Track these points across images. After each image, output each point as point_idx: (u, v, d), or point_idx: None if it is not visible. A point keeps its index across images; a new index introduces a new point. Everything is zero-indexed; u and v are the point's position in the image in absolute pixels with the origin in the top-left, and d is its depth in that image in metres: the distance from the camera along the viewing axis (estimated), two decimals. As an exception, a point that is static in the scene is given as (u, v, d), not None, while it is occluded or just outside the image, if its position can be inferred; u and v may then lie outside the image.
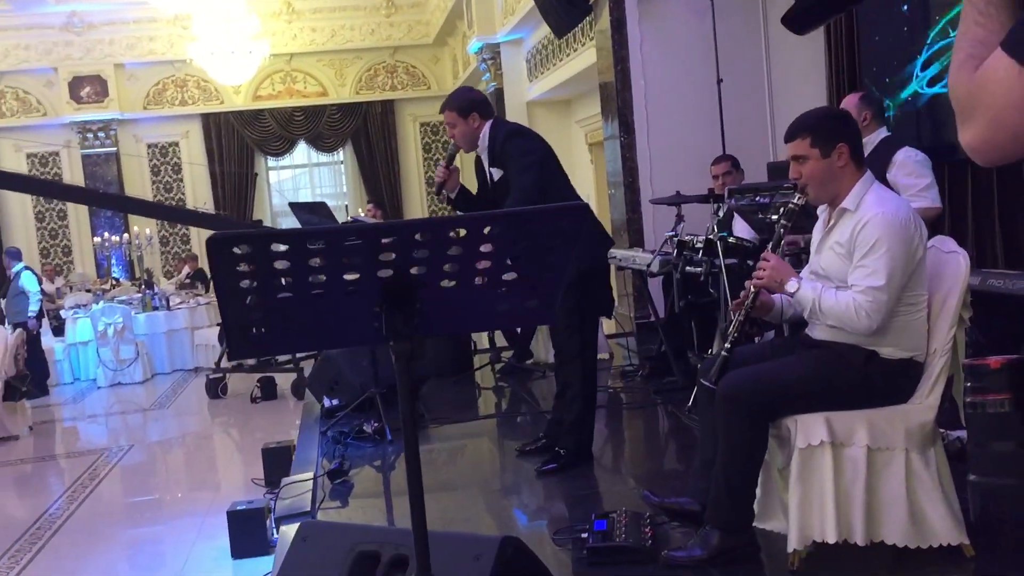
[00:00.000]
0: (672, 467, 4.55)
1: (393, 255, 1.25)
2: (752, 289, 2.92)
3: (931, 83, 5.18)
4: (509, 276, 1.35)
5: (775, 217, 3.12)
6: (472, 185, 4.35)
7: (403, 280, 1.30)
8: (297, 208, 5.92)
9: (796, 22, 1.35)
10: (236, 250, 1.17)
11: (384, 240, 1.23)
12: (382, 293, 1.32)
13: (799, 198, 2.90)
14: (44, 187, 9.70)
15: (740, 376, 2.81)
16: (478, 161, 4.27)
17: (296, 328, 1.34)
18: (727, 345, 2.95)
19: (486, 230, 1.26)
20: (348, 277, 1.27)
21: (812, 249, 3.00)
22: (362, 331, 1.38)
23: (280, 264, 1.21)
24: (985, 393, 1.12)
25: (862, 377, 2.74)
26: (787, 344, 3.08)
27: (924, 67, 5.27)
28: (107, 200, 12.16)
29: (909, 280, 2.71)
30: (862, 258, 2.69)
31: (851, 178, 2.81)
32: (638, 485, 4.01)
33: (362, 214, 10.38)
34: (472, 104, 4.10)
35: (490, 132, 4.09)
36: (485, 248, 1.29)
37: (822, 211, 2.97)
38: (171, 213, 13.27)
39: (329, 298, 1.30)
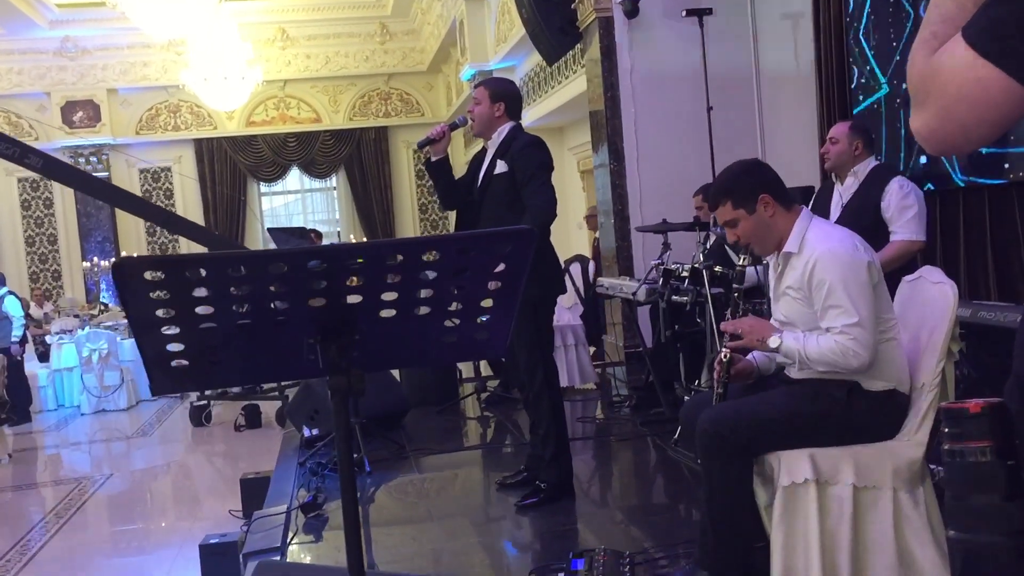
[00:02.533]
0: (659, 501, 4.44)
1: (325, 283, 1.16)
2: (724, 358, 2.83)
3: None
4: (455, 306, 1.25)
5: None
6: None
7: (338, 310, 1.20)
8: (276, 233, 5.82)
9: None
10: (148, 276, 1.08)
11: (313, 266, 1.14)
12: (316, 324, 1.22)
13: (742, 259, 2.86)
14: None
15: (720, 412, 2.71)
16: (475, 160, 4.18)
17: (223, 361, 1.24)
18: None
19: (426, 256, 1.17)
20: (277, 306, 1.18)
21: (771, 298, 2.92)
22: (297, 364, 1.28)
23: (199, 292, 1.12)
24: (965, 440, 1.01)
25: (847, 411, 2.64)
26: (766, 382, 2.97)
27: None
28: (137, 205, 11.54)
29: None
30: (825, 299, 2.62)
31: (786, 222, 2.76)
32: (625, 519, 3.90)
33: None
34: (505, 95, 4.04)
35: (508, 132, 4.01)
36: (427, 275, 1.20)
37: (771, 258, 2.90)
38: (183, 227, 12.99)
39: (257, 329, 1.20)
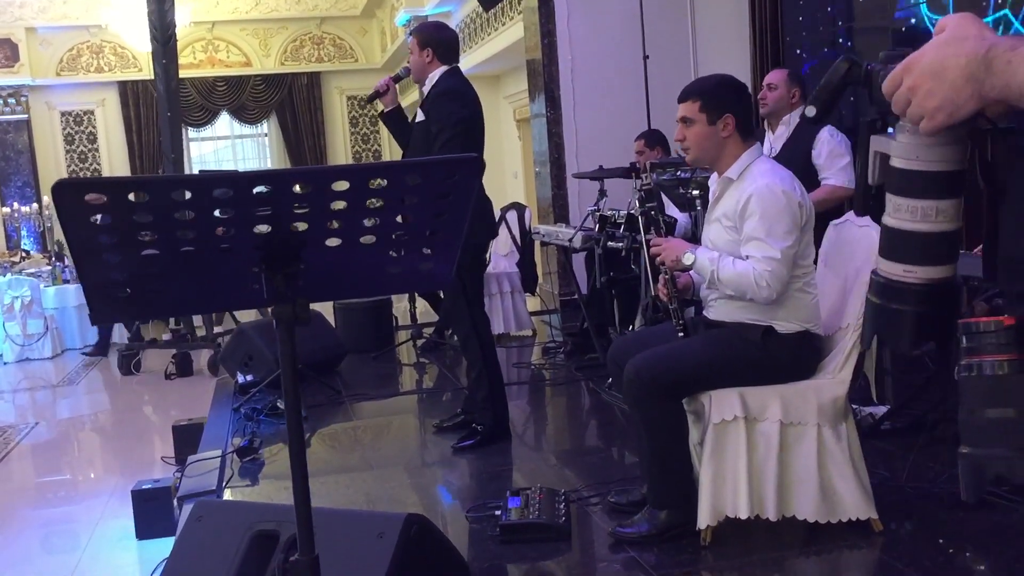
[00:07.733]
0: (592, 443, 4.53)
1: (270, 209, 1.16)
2: (667, 274, 2.90)
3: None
4: (400, 235, 1.26)
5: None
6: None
7: (283, 237, 1.20)
8: (209, 176, 5.70)
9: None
10: (89, 199, 1.06)
11: (258, 191, 1.13)
12: (260, 251, 1.22)
13: (645, 178, 2.92)
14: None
15: (644, 358, 2.76)
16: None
17: (167, 290, 1.23)
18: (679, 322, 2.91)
19: (372, 183, 1.17)
20: (221, 233, 1.17)
21: (704, 222, 2.99)
22: (241, 294, 1.28)
23: (141, 217, 1.10)
24: (982, 354, 1.02)
25: (763, 352, 2.72)
26: (692, 329, 3.04)
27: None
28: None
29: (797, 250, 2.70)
30: (753, 230, 2.68)
31: (735, 148, 2.80)
32: (559, 461, 3.98)
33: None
34: (431, 40, 3.98)
35: (439, 78, 3.96)
36: (372, 203, 1.20)
37: (712, 183, 2.96)
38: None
39: (201, 256, 1.19)
